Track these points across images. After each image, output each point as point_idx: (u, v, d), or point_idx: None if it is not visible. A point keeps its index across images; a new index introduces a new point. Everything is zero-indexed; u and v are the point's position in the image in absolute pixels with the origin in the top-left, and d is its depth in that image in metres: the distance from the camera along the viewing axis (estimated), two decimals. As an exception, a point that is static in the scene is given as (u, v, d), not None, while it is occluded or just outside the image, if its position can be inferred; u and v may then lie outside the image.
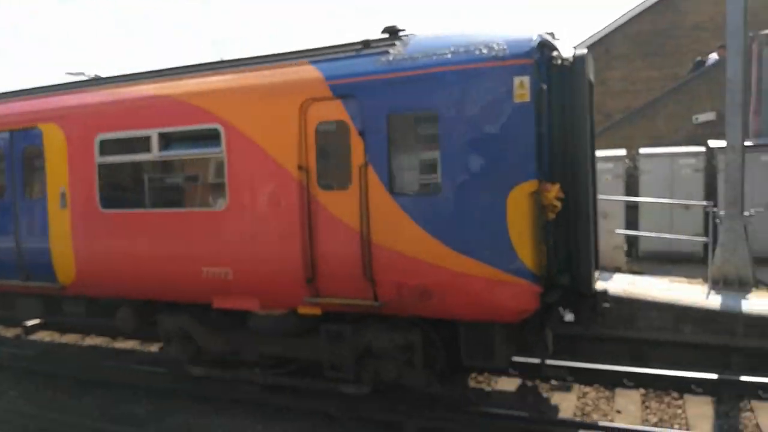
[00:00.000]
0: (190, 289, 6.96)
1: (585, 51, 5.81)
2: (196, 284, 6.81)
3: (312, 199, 6.12)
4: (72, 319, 10.04)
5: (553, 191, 5.57)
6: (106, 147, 7.30)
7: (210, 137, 6.58)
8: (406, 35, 6.20)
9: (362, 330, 6.41)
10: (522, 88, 5.38)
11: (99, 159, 7.34)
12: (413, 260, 5.78)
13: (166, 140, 6.91)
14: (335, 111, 6.01)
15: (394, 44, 6.08)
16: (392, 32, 6.27)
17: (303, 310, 6.51)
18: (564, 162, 5.79)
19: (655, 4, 18.50)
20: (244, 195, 6.46)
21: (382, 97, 5.82)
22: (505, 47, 5.47)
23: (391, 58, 5.93)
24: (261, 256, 6.44)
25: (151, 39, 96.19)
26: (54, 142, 7.68)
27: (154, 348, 9.76)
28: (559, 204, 5.61)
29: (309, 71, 6.21)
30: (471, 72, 5.53)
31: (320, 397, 6.99)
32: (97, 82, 8.01)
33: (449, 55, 5.65)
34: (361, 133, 5.88)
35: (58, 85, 8.30)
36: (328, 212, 6.08)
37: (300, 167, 6.08)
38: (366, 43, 6.25)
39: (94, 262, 7.50)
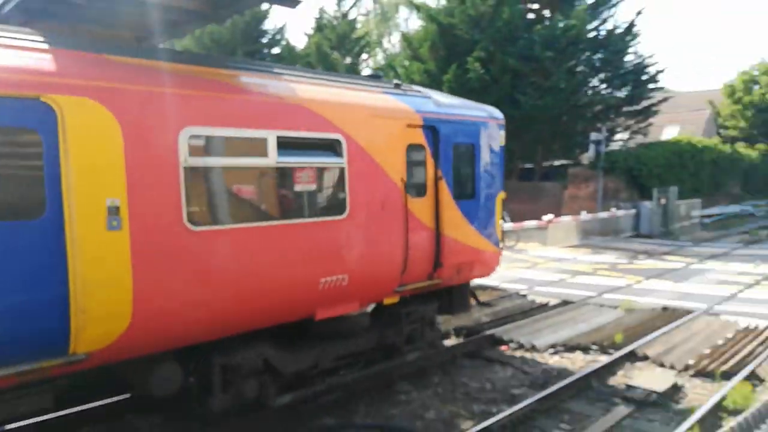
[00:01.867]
0: (298, 306, 6.45)
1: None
2: (309, 298, 6.46)
3: (406, 204, 7.44)
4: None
5: (503, 196, 9.20)
6: (201, 145, 5.52)
7: (331, 147, 6.64)
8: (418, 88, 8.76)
9: (424, 305, 8.40)
10: (502, 137, 9.15)
11: (188, 161, 5.33)
12: (464, 245, 8.35)
13: (283, 145, 6.12)
14: (418, 137, 7.65)
15: (420, 92, 8.45)
16: (377, 77, 8.53)
17: (389, 300, 7.66)
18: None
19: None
20: (362, 203, 6.91)
21: (450, 130, 8.06)
22: (494, 113, 9.10)
23: (436, 103, 8.22)
24: (374, 258, 7.11)
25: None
26: (91, 128, 4.77)
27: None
28: None
29: (400, 101, 7.69)
30: (487, 124, 8.81)
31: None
32: (179, 55, 6.24)
33: (474, 111, 8.81)
34: (434, 156, 7.82)
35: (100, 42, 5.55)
36: (414, 215, 7.57)
37: (401, 179, 7.37)
38: (398, 86, 8.16)
39: (173, 298, 5.29)
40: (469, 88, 20.81)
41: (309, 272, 6.38)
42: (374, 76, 8.46)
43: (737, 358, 8.77)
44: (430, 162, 7.81)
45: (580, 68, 25.43)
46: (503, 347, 9.75)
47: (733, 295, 12.96)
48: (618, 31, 25.34)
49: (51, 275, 4.58)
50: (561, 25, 22.97)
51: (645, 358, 9.03)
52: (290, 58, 30.21)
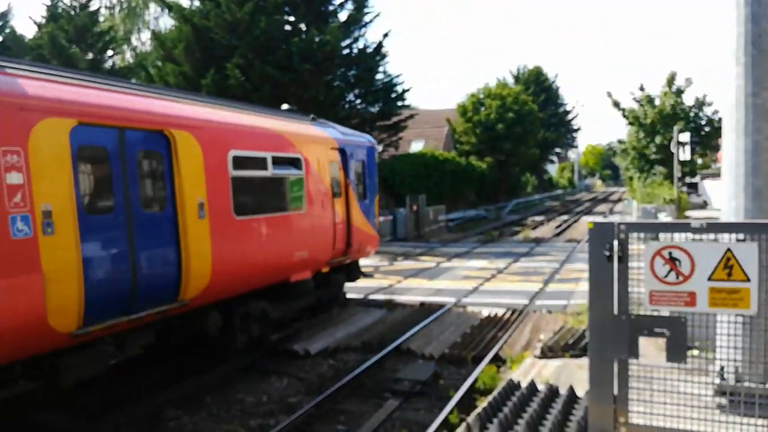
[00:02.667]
0: (284, 271, 9.63)
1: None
2: (288, 266, 9.67)
3: (333, 203, 10.93)
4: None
5: (378, 198, 12.90)
6: (238, 162, 8.34)
7: (295, 163, 9.86)
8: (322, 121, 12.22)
9: (340, 273, 12.18)
10: (377, 156, 13.34)
11: (235, 173, 8.23)
12: (363, 231, 12.14)
13: (275, 161, 9.27)
14: (335, 156, 11.31)
15: (328, 124, 12.12)
16: (314, 118, 12.04)
17: (324, 269, 11.11)
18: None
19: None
20: (312, 201, 10.18)
21: (352, 151, 11.91)
22: (371, 140, 13.44)
23: (342, 132, 12.11)
24: (319, 239, 10.50)
25: None
26: (189, 151, 7.38)
27: None
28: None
29: (324, 131, 11.41)
30: (369, 147, 12.92)
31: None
32: (221, 102, 9.51)
33: (361, 138, 12.93)
34: (344, 169, 11.53)
35: (186, 93, 9.20)
36: (337, 210, 11.11)
37: (329, 185, 10.92)
38: (315, 119, 11.85)
39: (230, 263, 8.07)
40: (229, 94, 20.30)
41: (289, 248, 9.64)
42: (293, 110, 12.40)
43: (483, 343, 9.97)
44: (341, 174, 11.50)
45: (337, 83, 26.68)
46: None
47: (475, 289, 14.75)
48: (368, 50, 27.21)
49: (173, 249, 7.11)
50: (317, 39, 23.79)
51: (409, 351, 9.74)
52: (17, 49, 26.08)
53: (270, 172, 9.08)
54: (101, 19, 33.26)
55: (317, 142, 10.72)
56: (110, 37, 30.34)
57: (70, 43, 27.10)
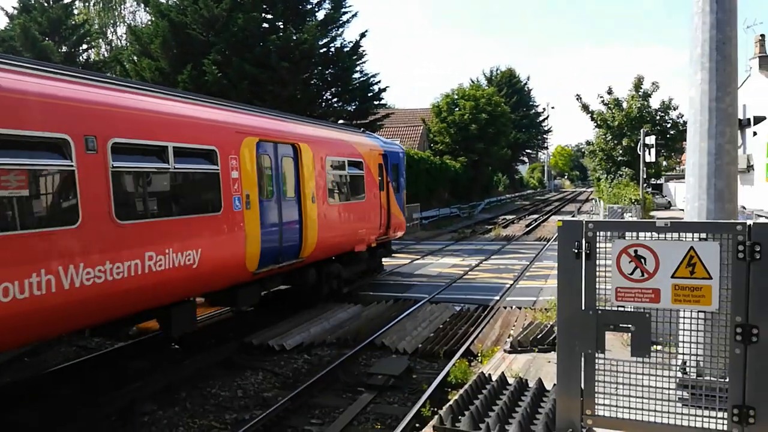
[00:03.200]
0: (352, 243, 13.31)
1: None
2: (355, 240, 13.38)
3: (380, 195, 14.92)
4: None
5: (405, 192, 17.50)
6: (331, 165, 12.24)
7: (359, 165, 13.69)
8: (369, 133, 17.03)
9: (383, 248, 16.09)
10: (404, 159, 17.49)
11: (329, 172, 12.07)
12: (396, 218, 16.01)
13: (349, 164, 13.31)
14: (381, 159, 15.10)
15: (372, 135, 16.39)
16: (364, 130, 17.25)
17: (373, 245, 14.85)
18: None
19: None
20: (367, 192, 14.05)
21: (390, 156, 15.57)
22: (401, 147, 17.40)
23: (383, 142, 15.99)
24: (372, 221, 14.24)
25: None
26: (307, 157, 11.15)
27: None
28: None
29: (373, 141, 15.30)
30: (400, 153, 16.72)
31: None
32: (320, 122, 14.41)
33: (395, 146, 16.71)
34: (386, 169, 15.23)
35: (302, 118, 13.47)
36: (381, 200, 14.89)
37: (377, 182, 14.73)
38: (364, 131, 16.29)
39: (326, 235, 11.75)
40: (206, 90, 20.14)
41: (356, 227, 13.36)
42: (347, 124, 18.41)
43: (455, 338, 10.13)
44: (384, 173, 15.15)
45: (314, 81, 26.62)
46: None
47: (448, 285, 14.93)
48: (346, 49, 27.20)
49: (298, 224, 10.65)
50: (294, 37, 23.71)
51: (383, 346, 9.86)
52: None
53: (347, 171, 13.07)
54: (76, 12, 32.61)
55: (371, 149, 14.62)
56: (85, 31, 29.71)
57: (44, 36, 26.50)
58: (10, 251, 5.49)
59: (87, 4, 38.20)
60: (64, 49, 28.10)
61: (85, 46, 30.49)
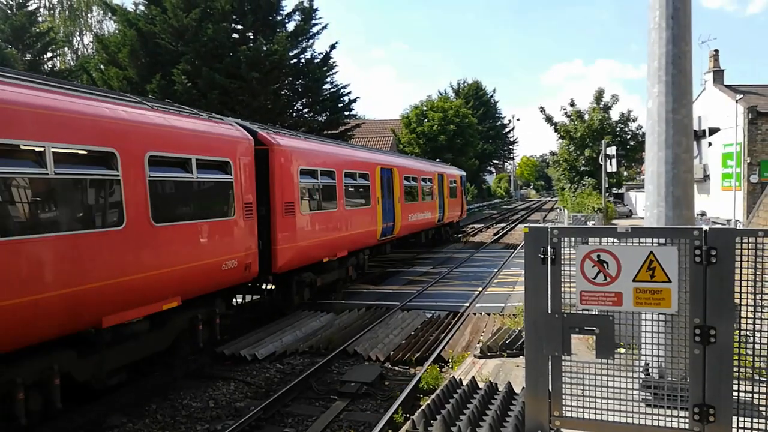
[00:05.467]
0: (441, 219, 25.99)
1: None
2: (443, 218, 26.32)
3: (457, 198, 29.91)
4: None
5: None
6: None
7: (448, 182, 28.24)
8: (451, 165, 33.24)
9: (450, 227, 29.67)
10: (463, 179, 33.41)
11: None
12: (452, 210, 29.01)
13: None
14: (451, 180, 29.22)
15: (451, 167, 32.03)
16: (448, 161, 37.49)
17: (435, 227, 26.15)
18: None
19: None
20: (445, 195, 27.09)
21: (461, 178, 31.38)
22: (462, 172, 34.35)
23: (456, 169, 32.77)
24: (452, 210, 28.28)
25: None
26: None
27: None
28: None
29: (453, 170, 31.56)
30: (464, 176, 34.05)
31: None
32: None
33: (455, 170, 31.89)
34: (460, 185, 30.62)
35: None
36: (444, 198, 26.73)
37: (454, 191, 29.50)
38: (447, 161, 37.64)
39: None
40: (176, 100, 19.97)
41: (435, 214, 24.84)
42: (444, 160, 38.08)
43: (426, 345, 10.24)
44: (459, 187, 29.69)
45: (284, 92, 26.62)
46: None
47: (419, 292, 15.05)
48: (316, 60, 27.31)
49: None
50: (265, 48, 23.71)
51: (355, 354, 9.90)
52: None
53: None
54: (40, 19, 32.00)
55: (453, 175, 28.69)
56: (50, 39, 29.12)
57: (6, 44, 25.91)
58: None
59: (52, 12, 37.50)
60: (28, 57, 27.52)
61: (49, 54, 29.88)
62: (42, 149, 6.04)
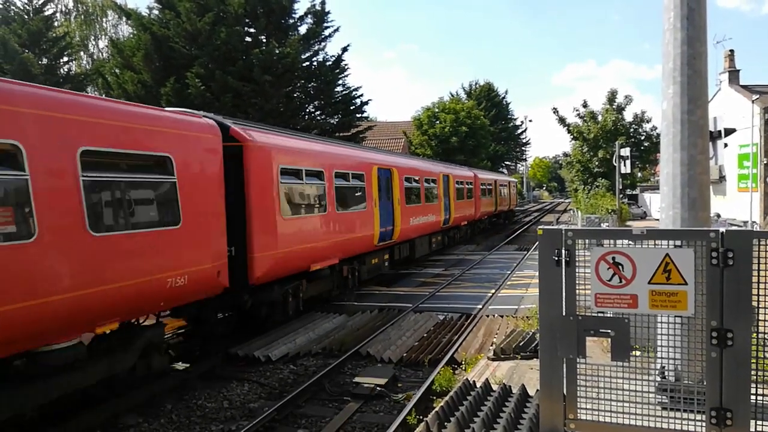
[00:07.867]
0: (471, 216, 30.07)
1: None
2: (472, 215, 30.46)
3: (475, 199, 31.12)
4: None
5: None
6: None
7: (467, 183, 29.24)
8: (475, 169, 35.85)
9: (465, 227, 29.84)
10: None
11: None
12: (462, 213, 28.26)
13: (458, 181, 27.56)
14: (477, 184, 32.72)
15: (474, 169, 35.27)
16: (471, 167, 37.33)
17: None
18: None
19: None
20: (465, 197, 28.67)
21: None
22: (477, 173, 35.73)
23: (481, 172, 36.63)
24: (483, 208, 33.39)
25: None
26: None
27: None
28: None
29: (479, 173, 34.47)
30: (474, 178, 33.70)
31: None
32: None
33: (467, 171, 32.18)
34: (480, 186, 32.49)
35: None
36: (459, 199, 27.31)
37: (474, 191, 31.74)
38: (471, 167, 37.92)
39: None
40: (189, 103, 20.12)
41: (455, 215, 25.93)
42: (465, 162, 39.68)
43: (439, 347, 10.23)
44: (477, 189, 30.99)
45: (296, 94, 26.72)
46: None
47: (432, 294, 15.04)
48: (328, 63, 27.38)
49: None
50: (277, 51, 23.82)
51: (368, 355, 9.92)
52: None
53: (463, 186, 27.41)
54: (56, 24, 32.37)
55: (462, 176, 28.23)
56: (66, 43, 29.44)
57: (23, 48, 26.24)
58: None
59: (68, 16, 37.94)
60: (44, 61, 27.85)
61: (65, 59, 30.21)
62: None
